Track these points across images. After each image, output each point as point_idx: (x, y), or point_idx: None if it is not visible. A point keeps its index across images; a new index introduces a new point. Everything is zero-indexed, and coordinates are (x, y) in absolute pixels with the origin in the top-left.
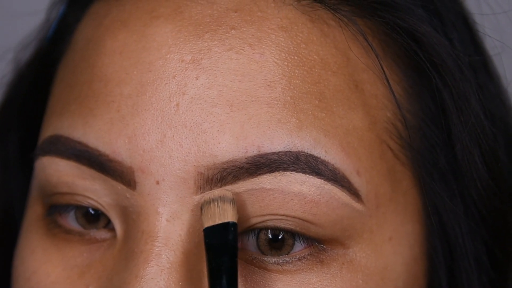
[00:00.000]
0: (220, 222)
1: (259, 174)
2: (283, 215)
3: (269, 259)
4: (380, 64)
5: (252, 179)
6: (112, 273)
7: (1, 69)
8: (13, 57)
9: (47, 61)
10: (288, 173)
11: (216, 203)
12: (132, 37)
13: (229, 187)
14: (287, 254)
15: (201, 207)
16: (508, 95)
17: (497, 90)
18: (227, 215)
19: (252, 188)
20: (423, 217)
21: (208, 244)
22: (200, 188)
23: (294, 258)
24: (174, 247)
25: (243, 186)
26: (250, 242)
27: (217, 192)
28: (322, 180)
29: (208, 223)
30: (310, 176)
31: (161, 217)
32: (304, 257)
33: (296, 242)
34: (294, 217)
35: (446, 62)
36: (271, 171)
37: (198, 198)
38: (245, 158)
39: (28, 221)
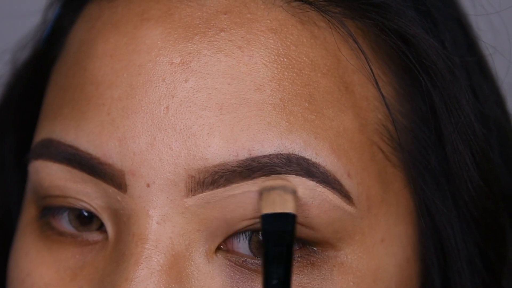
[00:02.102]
0: (280, 211)
1: (254, 178)
2: None
3: (259, 261)
4: (369, 66)
5: (247, 182)
6: (104, 275)
7: None
8: (10, 58)
9: (43, 63)
10: (283, 176)
11: (277, 192)
12: (123, 40)
13: (221, 189)
14: None
15: (261, 193)
16: (502, 96)
17: (491, 91)
18: (288, 205)
19: (248, 190)
20: (416, 218)
21: (266, 230)
22: (191, 190)
23: None
24: (165, 250)
25: (237, 188)
26: (241, 245)
27: (279, 181)
28: (315, 182)
29: (267, 210)
30: (303, 178)
31: (152, 220)
32: (294, 259)
33: None
34: None
35: (436, 63)
36: (266, 175)
37: (190, 200)
38: (237, 162)
39: (22, 223)
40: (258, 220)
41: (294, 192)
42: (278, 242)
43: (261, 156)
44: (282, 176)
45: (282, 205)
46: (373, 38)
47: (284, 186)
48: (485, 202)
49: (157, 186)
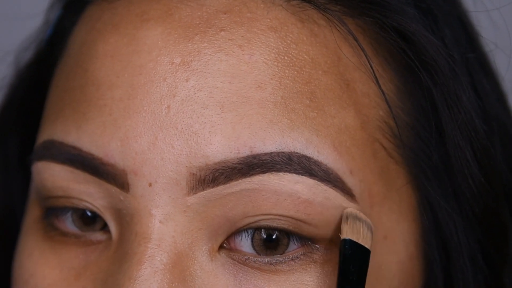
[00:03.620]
0: (362, 244)
1: (252, 175)
2: (277, 215)
3: (262, 259)
4: (369, 63)
5: (245, 179)
6: (107, 275)
7: (1, 71)
8: (14, 59)
9: (45, 64)
10: (281, 173)
11: (362, 224)
12: (123, 40)
13: (221, 187)
14: (281, 254)
15: (347, 217)
16: (504, 93)
17: (492, 87)
18: (367, 242)
19: (245, 188)
20: (418, 215)
21: (350, 255)
22: (193, 189)
23: (287, 258)
24: (168, 249)
25: (235, 186)
26: (244, 243)
27: (363, 215)
28: (315, 181)
29: (352, 236)
30: (304, 176)
31: (154, 219)
32: (297, 257)
33: (290, 241)
34: (288, 217)
35: (436, 60)
36: (263, 172)
37: (191, 199)
38: (237, 159)
39: (26, 224)
40: (259, 217)
41: (372, 231)
42: (357, 269)
43: (262, 153)
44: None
45: (365, 239)
46: (373, 35)
47: (368, 223)
48: (486, 199)
49: (159, 185)
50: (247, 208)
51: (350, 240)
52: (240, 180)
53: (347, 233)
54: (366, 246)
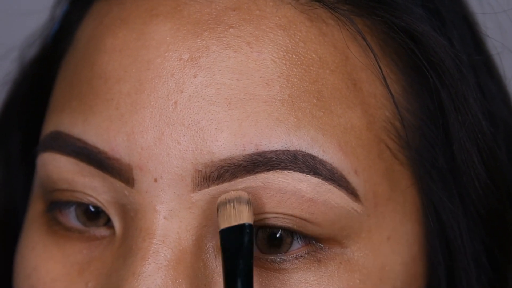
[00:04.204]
0: (235, 223)
1: (257, 172)
2: (281, 213)
3: (266, 257)
4: (378, 63)
5: (250, 177)
6: (111, 270)
7: (5, 67)
8: (18, 55)
9: (50, 59)
10: (285, 172)
11: (232, 204)
12: (132, 35)
13: (226, 184)
14: (285, 253)
15: (217, 208)
16: (509, 94)
17: (498, 89)
18: (243, 216)
19: (250, 185)
20: (422, 216)
21: (224, 246)
22: (198, 185)
23: (291, 257)
24: (172, 245)
25: (240, 183)
26: None
27: (233, 193)
28: (320, 180)
29: (224, 224)
30: (308, 175)
31: (159, 215)
32: (301, 256)
33: (294, 240)
34: (292, 216)
35: (444, 61)
36: (268, 169)
37: (196, 196)
38: (243, 156)
39: (29, 218)
40: (263, 215)
41: (248, 202)
42: (235, 256)
43: (268, 151)
44: (283, 172)
45: (237, 217)
46: (381, 35)
47: (239, 197)
48: (492, 201)
49: (164, 181)
50: (252, 206)
51: (222, 230)
52: (245, 178)
53: (219, 225)
54: (242, 221)
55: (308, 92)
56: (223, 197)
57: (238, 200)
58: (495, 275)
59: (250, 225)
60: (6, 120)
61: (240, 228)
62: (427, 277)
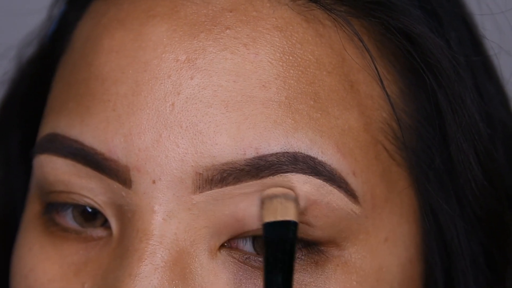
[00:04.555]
0: (281, 219)
1: (262, 177)
2: None
3: (262, 259)
4: (374, 64)
5: (256, 181)
6: (107, 271)
7: (3, 67)
8: (16, 55)
9: (48, 59)
10: (289, 175)
11: (279, 200)
12: (129, 36)
13: (230, 187)
14: None
15: (262, 201)
16: (507, 96)
17: (496, 91)
18: (289, 213)
19: (258, 190)
20: (419, 218)
21: (268, 239)
22: (199, 187)
23: None
24: (169, 246)
25: (248, 187)
26: (245, 243)
27: (280, 189)
28: (322, 181)
29: (269, 218)
30: (311, 176)
31: (157, 216)
32: (298, 258)
33: None
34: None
35: (441, 63)
36: (273, 174)
37: (197, 197)
38: (244, 160)
39: (26, 219)
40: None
41: (295, 200)
42: (279, 250)
43: (268, 154)
44: (287, 175)
45: (284, 213)
46: (378, 37)
47: (286, 194)
48: (489, 202)
49: (163, 183)
50: (260, 211)
51: (267, 223)
52: (251, 182)
53: (264, 218)
54: (288, 218)
55: (305, 93)
56: (269, 191)
57: (285, 196)
58: (492, 276)
59: (295, 222)
60: (5, 119)
61: (286, 224)
62: (424, 279)
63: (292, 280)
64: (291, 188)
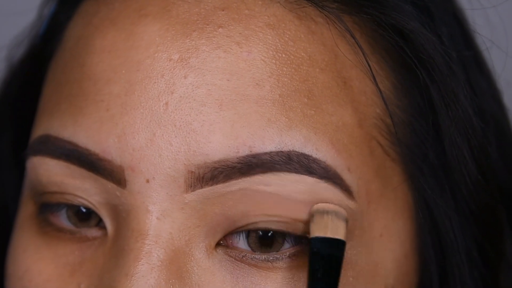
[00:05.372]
0: (331, 236)
1: (252, 174)
2: (277, 215)
3: (259, 256)
4: (366, 61)
5: (245, 179)
6: (103, 271)
7: None
8: (6, 55)
9: (39, 59)
10: (281, 174)
11: (330, 216)
12: (121, 36)
13: (220, 185)
14: (277, 251)
15: (313, 214)
16: (499, 90)
17: (487, 85)
18: (339, 232)
19: (245, 187)
20: (414, 213)
21: (316, 253)
22: (191, 186)
23: (284, 255)
24: (165, 245)
25: (235, 185)
26: (240, 240)
27: (332, 205)
28: (315, 179)
29: (319, 233)
30: (303, 175)
31: (152, 215)
32: (294, 254)
33: (285, 241)
34: (288, 217)
35: (433, 58)
36: (264, 172)
37: (189, 196)
38: (237, 158)
39: (20, 220)
40: (259, 217)
41: (346, 220)
42: (328, 265)
43: (262, 153)
44: (279, 174)
45: (334, 230)
46: (370, 33)
47: (337, 212)
48: (483, 196)
49: (157, 182)
50: (247, 208)
51: (317, 238)
52: (240, 179)
53: (313, 232)
54: (338, 236)
55: (299, 91)
56: (320, 205)
57: (337, 214)
58: (487, 270)
59: (344, 242)
60: None
61: (337, 242)
62: (420, 274)
63: None
64: (280, 187)
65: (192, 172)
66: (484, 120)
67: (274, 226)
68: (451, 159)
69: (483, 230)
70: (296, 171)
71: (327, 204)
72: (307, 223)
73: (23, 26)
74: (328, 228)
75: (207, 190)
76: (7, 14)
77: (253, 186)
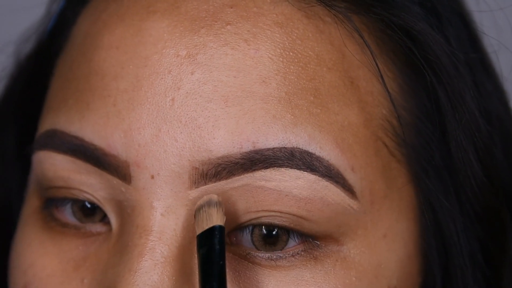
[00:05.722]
0: (207, 227)
1: (254, 170)
2: (278, 211)
3: (262, 254)
4: (375, 61)
5: (247, 174)
6: (107, 266)
7: (1, 62)
8: (14, 50)
9: (47, 55)
10: (283, 169)
11: (204, 209)
12: (129, 32)
13: (223, 182)
14: (281, 250)
15: (194, 215)
16: (505, 92)
17: (494, 87)
18: (212, 219)
19: (247, 183)
20: (418, 214)
21: (198, 251)
22: (195, 183)
23: (288, 254)
24: (168, 242)
25: (238, 181)
26: (244, 238)
27: (204, 197)
28: (317, 176)
29: (199, 230)
30: (305, 172)
31: (156, 211)
32: (297, 253)
33: (290, 238)
34: (289, 213)
35: (441, 59)
36: (265, 167)
37: (193, 193)
38: (240, 154)
39: (25, 215)
40: (260, 213)
41: (217, 203)
42: (208, 260)
43: (264, 149)
44: (280, 169)
45: (208, 221)
46: (378, 33)
47: (209, 201)
48: (488, 198)
49: (161, 178)
50: (249, 203)
51: (197, 236)
52: (242, 175)
53: (196, 231)
54: (211, 224)
55: (305, 89)
56: (197, 203)
57: (208, 203)
58: (490, 272)
59: (219, 226)
60: (2, 115)
61: (210, 231)
62: (423, 275)
63: (225, 284)
64: (281, 182)
65: (196, 168)
66: (489, 122)
67: (277, 221)
68: (456, 160)
69: (487, 231)
70: (298, 167)
71: (202, 198)
72: (309, 220)
73: (31, 22)
74: (204, 221)
75: (211, 187)
76: (15, 10)
77: (255, 182)
